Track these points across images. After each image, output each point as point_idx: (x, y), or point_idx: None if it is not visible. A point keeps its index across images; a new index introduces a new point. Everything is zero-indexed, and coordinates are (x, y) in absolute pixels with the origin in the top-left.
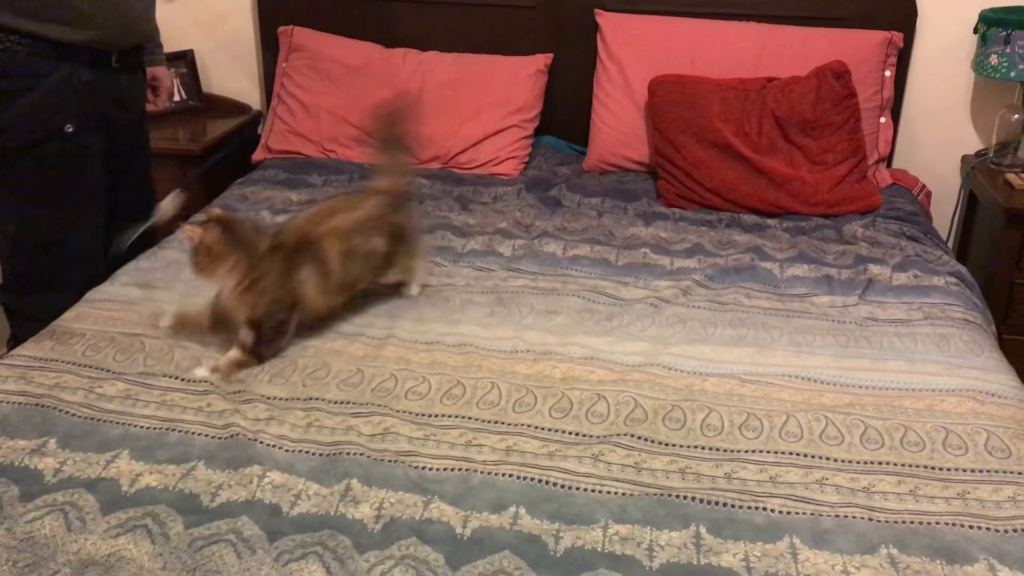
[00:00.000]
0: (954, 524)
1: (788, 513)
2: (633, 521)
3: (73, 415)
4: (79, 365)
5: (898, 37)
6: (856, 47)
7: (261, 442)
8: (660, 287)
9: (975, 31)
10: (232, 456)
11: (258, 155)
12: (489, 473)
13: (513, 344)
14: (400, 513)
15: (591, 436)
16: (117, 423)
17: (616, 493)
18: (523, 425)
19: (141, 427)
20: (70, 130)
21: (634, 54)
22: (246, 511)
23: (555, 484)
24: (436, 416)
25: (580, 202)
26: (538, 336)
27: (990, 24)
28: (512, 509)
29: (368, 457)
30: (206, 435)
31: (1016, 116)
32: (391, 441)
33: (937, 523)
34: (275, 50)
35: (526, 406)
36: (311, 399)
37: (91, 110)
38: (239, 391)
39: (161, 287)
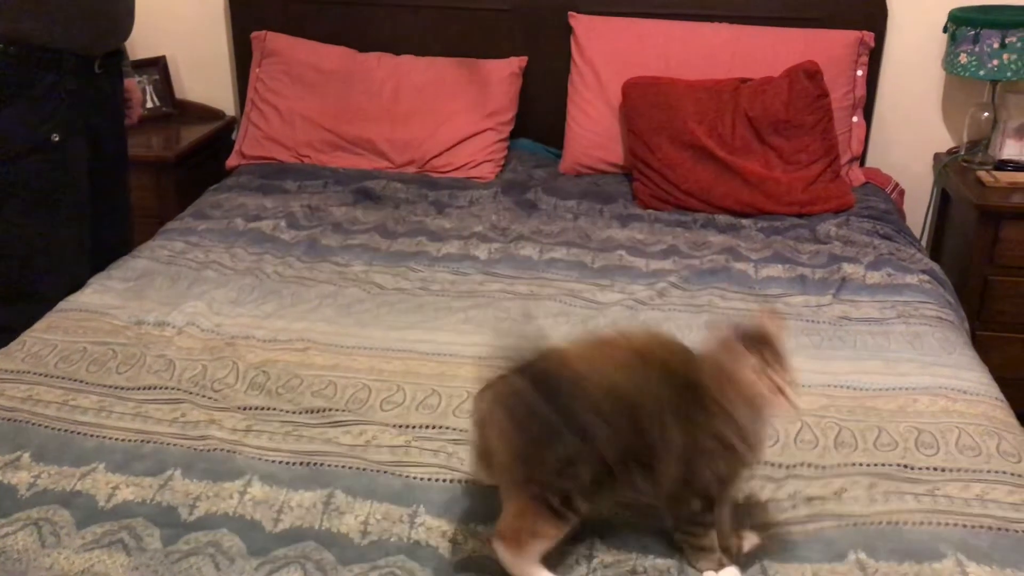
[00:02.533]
0: (923, 523)
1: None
2: (619, 547)
3: (47, 428)
4: (52, 377)
5: (869, 37)
6: (828, 47)
7: (240, 453)
8: (636, 290)
9: (945, 30)
10: (210, 467)
11: (232, 161)
12: (472, 482)
13: (488, 351)
14: (386, 525)
15: None
16: (92, 435)
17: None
18: None
19: (116, 439)
20: (56, 139)
21: (608, 56)
22: (225, 523)
23: None
24: (413, 427)
25: (556, 205)
26: (515, 341)
27: (959, 23)
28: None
29: (351, 468)
30: (182, 446)
31: (986, 114)
32: (373, 451)
33: (906, 523)
34: (248, 55)
35: None
36: (287, 411)
37: (76, 118)
38: (214, 400)
39: (133, 297)
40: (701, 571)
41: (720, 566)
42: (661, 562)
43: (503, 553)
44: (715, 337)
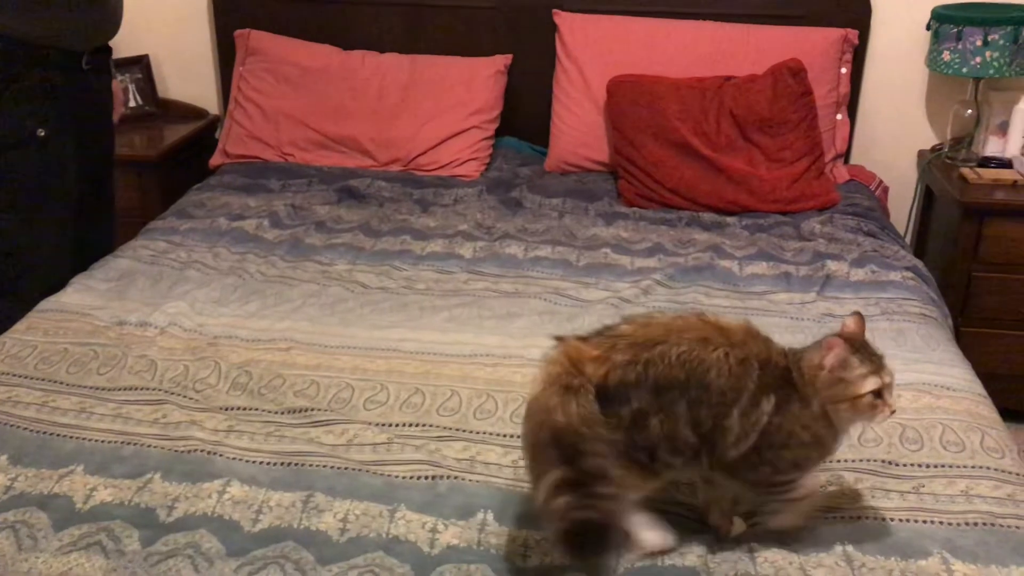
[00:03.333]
0: (908, 520)
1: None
2: None
3: (25, 430)
4: (31, 378)
5: (853, 34)
6: (812, 45)
7: (220, 454)
8: (621, 288)
9: (928, 28)
10: (190, 469)
11: (215, 160)
12: (456, 479)
13: (473, 349)
14: (365, 521)
15: None
16: (71, 437)
17: None
18: (485, 433)
19: (95, 441)
20: (42, 135)
21: (592, 54)
22: (204, 524)
23: (523, 491)
24: (397, 425)
25: (541, 203)
26: (498, 339)
27: (942, 21)
28: (480, 515)
29: (332, 467)
30: (162, 448)
31: (969, 111)
32: (355, 451)
33: (892, 519)
34: (232, 54)
35: (487, 412)
36: (269, 411)
37: (63, 114)
38: (195, 400)
39: (115, 297)
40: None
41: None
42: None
43: None
44: (825, 344)
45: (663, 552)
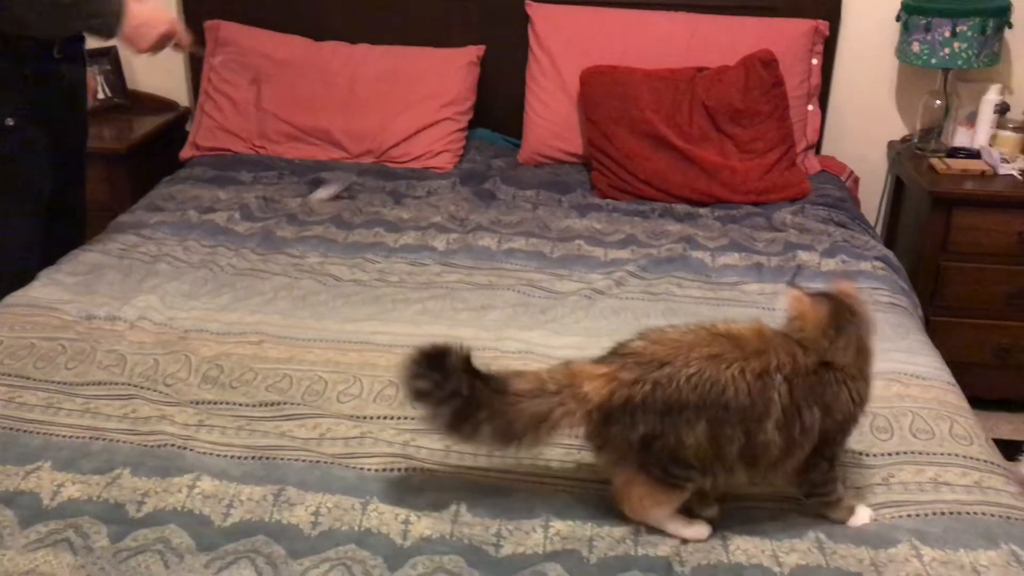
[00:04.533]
0: (879, 510)
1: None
2: (574, 517)
3: None
4: None
5: (824, 26)
6: (783, 36)
7: (191, 449)
8: (594, 279)
9: (898, 19)
10: (160, 464)
11: (186, 152)
12: (429, 471)
13: (447, 341)
14: (337, 514)
15: None
16: (38, 433)
17: (558, 488)
18: None
19: (63, 436)
20: (11, 124)
21: (565, 45)
22: (174, 519)
23: (496, 481)
24: (371, 418)
25: (515, 195)
26: (472, 332)
27: (911, 12)
28: (453, 507)
29: (304, 461)
30: (132, 443)
31: (938, 102)
32: (328, 444)
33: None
34: (202, 45)
35: None
36: (240, 404)
37: (34, 104)
38: (165, 395)
39: (84, 291)
40: (843, 521)
41: (851, 512)
42: (617, 529)
43: (631, 514)
44: (830, 302)
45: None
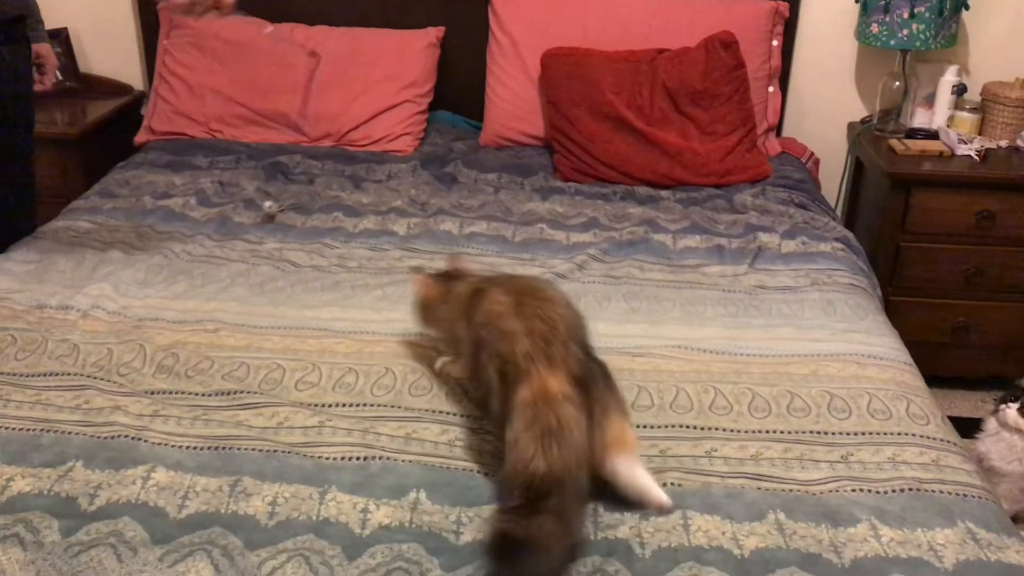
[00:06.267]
0: (838, 490)
1: (680, 485)
2: None
3: None
4: None
5: (784, 7)
6: (744, 17)
7: (145, 440)
8: (556, 263)
9: (857, 0)
10: (113, 456)
11: (140, 137)
12: (389, 459)
13: (407, 327)
14: (295, 504)
15: None
16: None
17: None
18: (421, 410)
19: (12, 429)
20: None
21: (526, 27)
22: (128, 512)
23: (456, 468)
24: (330, 406)
25: (476, 178)
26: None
27: None
28: (412, 495)
29: (261, 451)
30: (84, 434)
31: (897, 83)
32: (285, 433)
33: (821, 492)
34: (156, 27)
35: (422, 389)
36: (196, 394)
37: None
38: (119, 385)
39: (34, 280)
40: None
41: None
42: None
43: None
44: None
45: (663, 511)
